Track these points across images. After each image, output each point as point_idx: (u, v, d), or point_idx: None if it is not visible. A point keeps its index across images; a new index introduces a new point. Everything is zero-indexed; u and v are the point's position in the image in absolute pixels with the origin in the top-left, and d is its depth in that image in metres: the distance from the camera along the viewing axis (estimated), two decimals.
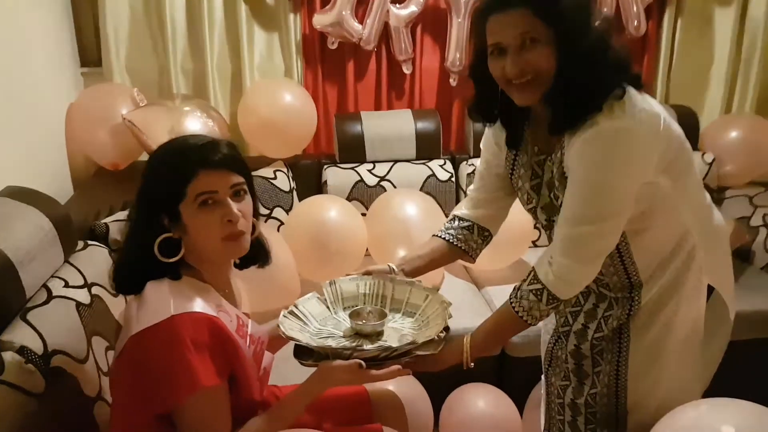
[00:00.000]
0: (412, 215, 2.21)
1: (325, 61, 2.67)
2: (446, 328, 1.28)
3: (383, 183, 2.49)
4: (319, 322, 1.34)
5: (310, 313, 1.35)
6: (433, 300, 1.36)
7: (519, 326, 1.24)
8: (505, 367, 2.11)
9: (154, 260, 1.09)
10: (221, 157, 1.09)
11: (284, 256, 2.02)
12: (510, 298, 1.25)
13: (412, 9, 2.61)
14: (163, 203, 1.08)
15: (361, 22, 2.59)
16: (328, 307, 1.38)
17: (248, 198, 1.15)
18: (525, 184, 1.33)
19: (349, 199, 2.46)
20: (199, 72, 2.57)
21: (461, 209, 1.47)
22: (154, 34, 2.51)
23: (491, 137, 1.40)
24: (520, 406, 1.96)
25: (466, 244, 1.44)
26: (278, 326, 1.24)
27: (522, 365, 2.01)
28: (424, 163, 2.57)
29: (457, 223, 1.46)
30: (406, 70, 2.73)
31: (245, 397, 1.13)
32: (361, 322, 1.30)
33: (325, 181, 2.49)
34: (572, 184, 1.17)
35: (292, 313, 1.32)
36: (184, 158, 1.08)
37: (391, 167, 2.54)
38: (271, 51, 2.64)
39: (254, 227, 1.20)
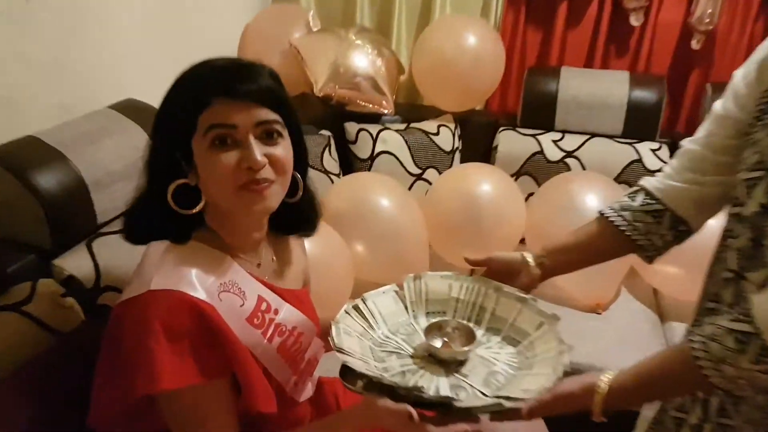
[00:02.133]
0: (592, 208, 1.69)
1: (532, 1, 2.20)
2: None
3: (569, 160, 2.01)
4: (390, 327, 1.03)
5: (380, 313, 1.04)
6: (548, 333, 0.96)
7: (690, 381, 0.77)
8: None
9: (169, 210, 0.87)
10: (249, 86, 0.82)
11: (415, 227, 1.72)
12: (689, 336, 0.78)
13: None
14: (175, 137, 0.85)
15: None
16: (406, 308, 1.06)
17: (286, 144, 0.88)
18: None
19: (519, 172, 2.04)
20: (386, 2, 2.29)
21: (655, 177, 0.97)
22: None
23: (763, 57, 0.82)
24: None
25: (646, 236, 0.95)
26: (332, 325, 0.96)
27: None
28: (631, 144, 2.01)
29: (639, 200, 0.96)
30: (635, 21, 2.12)
31: (250, 405, 0.88)
32: (438, 342, 0.98)
33: (496, 147, 2.09)
34: None
35: (357, 308, 1.02)
36: (201, 82, 0.83)
37: (585, 142, 2.03)
38: None
39: (296, 184, 0.94)
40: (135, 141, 1.31)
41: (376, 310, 1.04)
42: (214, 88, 0.82)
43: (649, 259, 0.98)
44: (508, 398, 0.84)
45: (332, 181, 1.89)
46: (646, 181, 0.97)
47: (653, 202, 0.95)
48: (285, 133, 0.88)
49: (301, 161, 0.94)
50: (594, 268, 1.54)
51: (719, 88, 1.95)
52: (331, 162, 1.94)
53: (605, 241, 1.00)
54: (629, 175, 1.98)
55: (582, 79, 2.05)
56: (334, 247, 1.55)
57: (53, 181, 1.12)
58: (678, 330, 1.70)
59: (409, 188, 2.01)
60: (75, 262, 1.15)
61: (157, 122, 0.87)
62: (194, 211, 0.87)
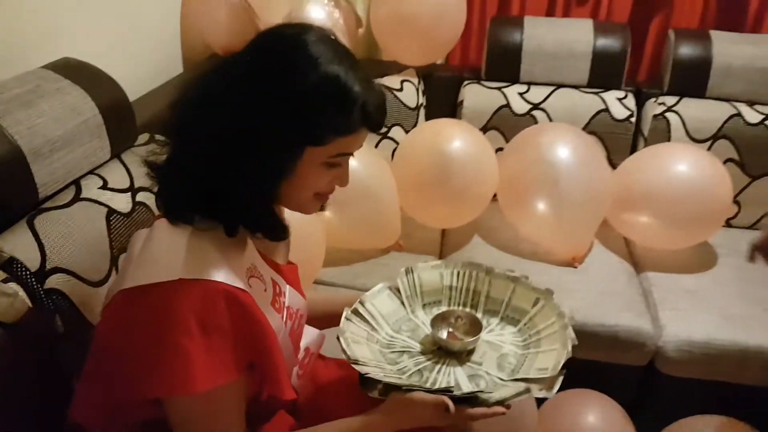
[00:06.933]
0: (564, 160, 1.67)
1: None
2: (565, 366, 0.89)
3: (536, 112, 1.96)
4: (392, 325, 1.05)
5: (380, 313, 1.05)
6: (546, 308, 0.99)
7: None
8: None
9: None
10: (382, 121, 0.83)
11: (387, 190, 1.64)
12: None
13: None
14: (295, 140, 0.77)
15: None
16: (402, 303, 1.08)
17: None
18: None
19: (487, 127, 1.98)
20: None
21: None
22: None
23: None
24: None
25: None
26: (339, 337, 0.95)
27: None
28: (597, 93, 1.98)
29: None
30: None
31: (270, 395, 0.84)
32: (444, 333, 1.01)
33: (461, 101, 2.01)
34: None
35: (356, 313, 1.02)
36: (352, 104, 0.76)
37: (551, 93, 1.98)
38: None
39: None
40: (75, 103, 1.17)
41: (375, 311, 1.04)
42: (363, 117, 0.77)
43: None
44: (527, 380, 0.87)
45: None
46: None
47: None
48: None
49: None
50: (569, 219, 1.55)
51: (683, 35, 1.93)
52: None
53: None
54: (596, 125, 1.95)
55: (546, 29, 1.99)
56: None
57: None
58: (654, 279, 1.70)
59: (375, 147, 1.92)
60: (16, 242, 1.00)
61: (283, 112, 0.74)
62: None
